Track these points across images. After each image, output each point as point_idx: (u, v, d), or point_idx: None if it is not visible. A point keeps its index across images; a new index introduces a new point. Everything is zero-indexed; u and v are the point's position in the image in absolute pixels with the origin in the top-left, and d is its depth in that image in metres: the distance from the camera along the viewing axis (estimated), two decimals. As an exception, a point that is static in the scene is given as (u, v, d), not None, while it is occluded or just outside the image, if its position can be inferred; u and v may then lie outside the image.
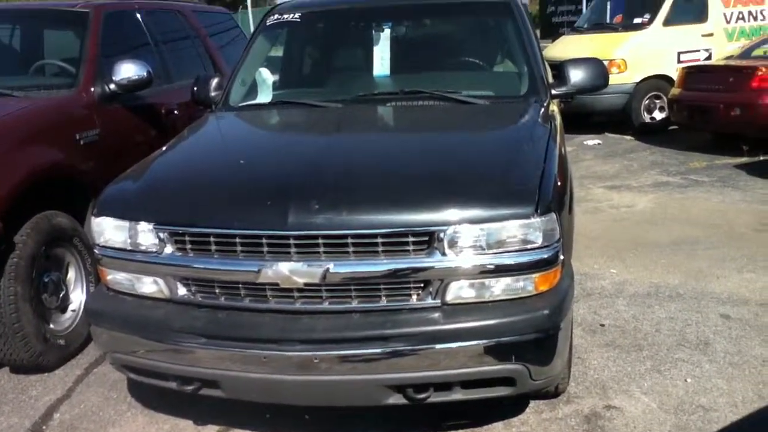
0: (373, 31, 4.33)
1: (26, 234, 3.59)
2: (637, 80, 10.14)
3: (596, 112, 10.56)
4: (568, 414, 3.15)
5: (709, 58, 10.40)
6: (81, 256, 3.98)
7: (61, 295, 3.88)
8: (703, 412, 3.12)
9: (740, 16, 10.75)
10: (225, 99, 4.15)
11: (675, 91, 9.35)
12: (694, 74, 9.15)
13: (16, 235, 3.55)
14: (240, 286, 2.69)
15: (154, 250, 2.77)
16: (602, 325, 4.02)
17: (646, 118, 10.36)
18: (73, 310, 3.96)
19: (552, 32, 17.58)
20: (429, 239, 2.57)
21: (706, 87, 8.71)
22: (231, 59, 5.73)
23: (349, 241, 2.57)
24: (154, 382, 2.92)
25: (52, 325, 3.80)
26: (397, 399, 2.65)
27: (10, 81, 4.65)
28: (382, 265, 2.58)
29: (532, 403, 3.21)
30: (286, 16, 4.50)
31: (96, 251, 2.96)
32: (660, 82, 10.20)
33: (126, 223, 2.82)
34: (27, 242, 3.58)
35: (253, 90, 4.29)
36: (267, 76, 4.39)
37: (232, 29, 7.26)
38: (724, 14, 10.67)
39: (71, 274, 3.97)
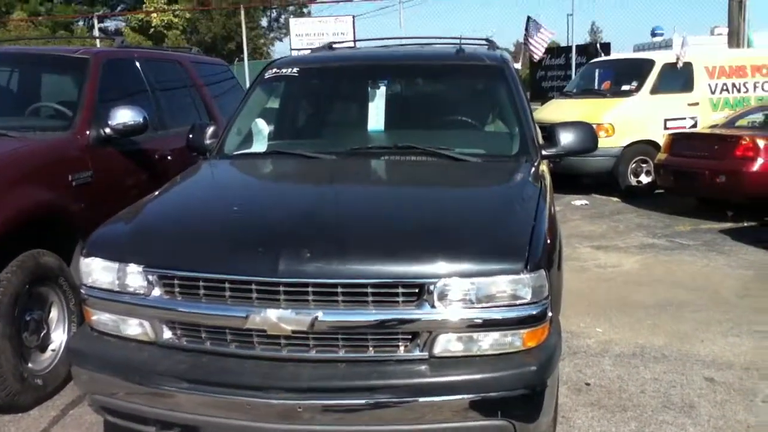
0: (369, 88, 4.41)
1: (11, 272, 3.57)
2: (625, 144, 10.34)
3: (584, 174, 10.72)
4: (548, 474, 3.10)
5: (695, 125, 10.65)
6: (65, 296, 3.95)
7: (42, 334, 3.83)
8: (688, 475, 3.09)
9: (724, 87, 11.06)
10: (220, 147, 4.19)
11: (661, 156, 9.53)
12: (681, 140, 9.34)
13: (2, 273, 3.53)
14: (227, 331, 2.67)
15: (141, 292, 2.76)
16: (587, 384, 4.00)
17: (633, 181, 10.53)
18: (53, 350, 3.91)
19: (541, 96, 17.92)
20: (419, 291, 2.57)
21: (692, 153, 8.88)
22: (226, 109, 5.81)
23: (339, 290, 2.57)
24: (133, 425, 2.87)
25: (30, 365, 3.74)
26: (380, 452, 2.61)
27: (7, 122, 4.67)
28: (370, 315, 2.58)
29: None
30: (284, 70, 4.58)
31: (82, 291, 2.94)
32: (647, 146, 10.41)
33: (115, 265, 2.81)
34: (12, 280, 3.56)
35: (248, 139, 4.34)
36: (263, 127, 4.44)
37: (229, 80, 7.37)
38: (709, 85, 10.97)
39: (54, 314, 3.94)
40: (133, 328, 2.80)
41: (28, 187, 3.83)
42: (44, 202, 3.92)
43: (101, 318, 2.88)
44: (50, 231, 3.97)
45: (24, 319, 3.71)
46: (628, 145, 10.37)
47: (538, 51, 16.34)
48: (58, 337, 3.93)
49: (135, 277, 2.77)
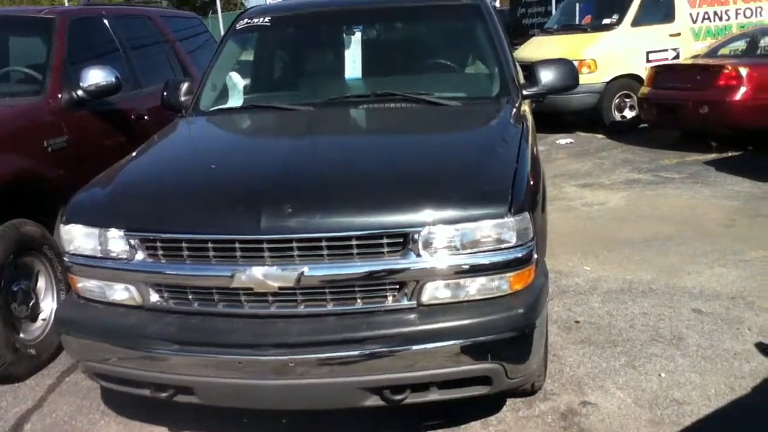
0: (344, 35, 4.32)
1: (-7, 243, 3.52)
2: (607, 80, 10.26)
3: (568, 112, 10.65)
4: (545, 411, 3.16)
5: (677, 57, 10.56)
6: (51, 265, 3.91)
7: (31, 304, 3.81)
8: (677, 406, 3.15)
9: (706, 16, 10.93)
10: (195, 104, 4.12)
11: (644, 89, 9.47)
12: (663, 73, 9.27)
13: (-17, 245, 3.48)
14: (213, 291, 2.66)
15: (125, 256, 2.73)
16: (577, 322, 4.04)
17: (617, 116, 10.48)
18: (44, 319, 3.90)
19: (522, 33, 17.68)
20: (404, 240, 2.56)
21: (675, 86, 8.84)
22: (201, 64, 5.69)
23: (324, 244, 2.56)
24: (128, 389, 2.88)
25: (22, 335, 3.73)
26: (374, 401, 2.64)
27: (-24, 89, 4.57)
28: (356, 267, 2.57)
29: (509, 402, 3.21)
30: (256, 20, 4.47)
31: (66, 259, 2.91)
32: (630, 81, 10.33)
33: (96, 230, 2.78)
34: (-6, 251, 3.51)
35: (223, 94, 4.26)
36: (238, 81, 4.36)
37: (202, 34, 7.20)
38: (690, 14, 10.84)
39: (41, 283, 3.91)
40: (120, 293, 2.78)
41: (2, 156, 3.75)
42: (20, 170, 3.84)
43: (87, 285, 2.86)
44: (29, 200, 3.90)
45: (11, 290, 3.68)
46: (611, 80, 10.29)
47: None
48: (48, 305, 3.91)
49: (117, 241, 2.74)
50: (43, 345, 3.81)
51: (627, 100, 10.44)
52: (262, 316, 2.64)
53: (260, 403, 2.73)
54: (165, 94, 4.25)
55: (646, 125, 9.98)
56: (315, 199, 2.67)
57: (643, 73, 9.93)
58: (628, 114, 10.46)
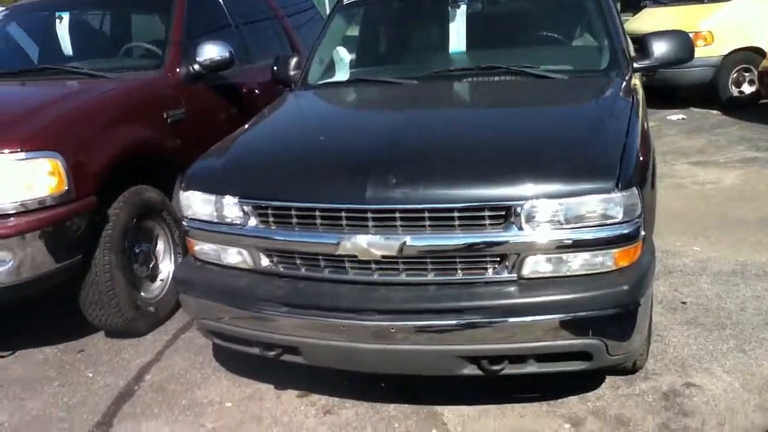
0: (449, 8, 4.31)
1: (119, 207, 3.79)
2: (725, 53, 9.69)
3: (681, 87, 10.16)
4: (646, 390, 3.10)
5: (805, 26, 9.83)
6: (169, 229, 4.17)
7: (150, 265, 4.09)
8: (790, 392, 3.02)
9: (841, -20, 10.11)
10: (304, 78, 4.24)
11: (766, 63, 8.91)
12: (788, 45, 8.68)
13: (110, 209, 3.75)
14: (320, 257, 2.78)
15: (238, 222, 2.88)
16: (683, 303, 3.91)
17: (734, 92, 9.89)
18: (162, 280, 4.17)
19: (633, 5, 16.98)
20: (506, 213, 2.57)
21: (800, 58, 8.26)
22: (307, 39, 5.82)
23: (426, 215, 2.61)
24: (238, 347, 3.06)
25: (142, 293, 4.00)
26: (471, 370, 2.69)
27: (102, 63, 4.87)
28: (458, 239, 2.60)
29: (609, 379, 3.17)
30: (361, -5, 4.54)
31: (184, 223, 3.11)
32: (749, 54, 9.69)
33: (212, 197, 2.94)
34: (120, 215, 3.78)
35: (330, 68, 4.36)
36: (344, 55, 4.45)
37: (309, 9, 7.34)
38: (823, -21, 10.05)
39: (160, 246, 4.18)
40: (233, 256, 2.94)
41: (127, 127, 4.01)
42: (143, 140, 4.10)
43: (203, 248, 3.04)
44: (150, 168, 4.15)
45: (134, 251, 3.95)
46: (729, 53, 9.70)
47: None
48: (166, 267, 4.19)
49: (231, 208, 2.89)
50: (161, 303, 4.09)
51: (746, 74, 9.81)
52: (365, 283, 2.73)
53: (361, 365, 2.83)
54: (275, 68, 4.39)
55: (766, 101, 9.38)
56: (418, 171, 2.72)
57: (765, 46, 9.33)
58: (747, 89, 9.87)
